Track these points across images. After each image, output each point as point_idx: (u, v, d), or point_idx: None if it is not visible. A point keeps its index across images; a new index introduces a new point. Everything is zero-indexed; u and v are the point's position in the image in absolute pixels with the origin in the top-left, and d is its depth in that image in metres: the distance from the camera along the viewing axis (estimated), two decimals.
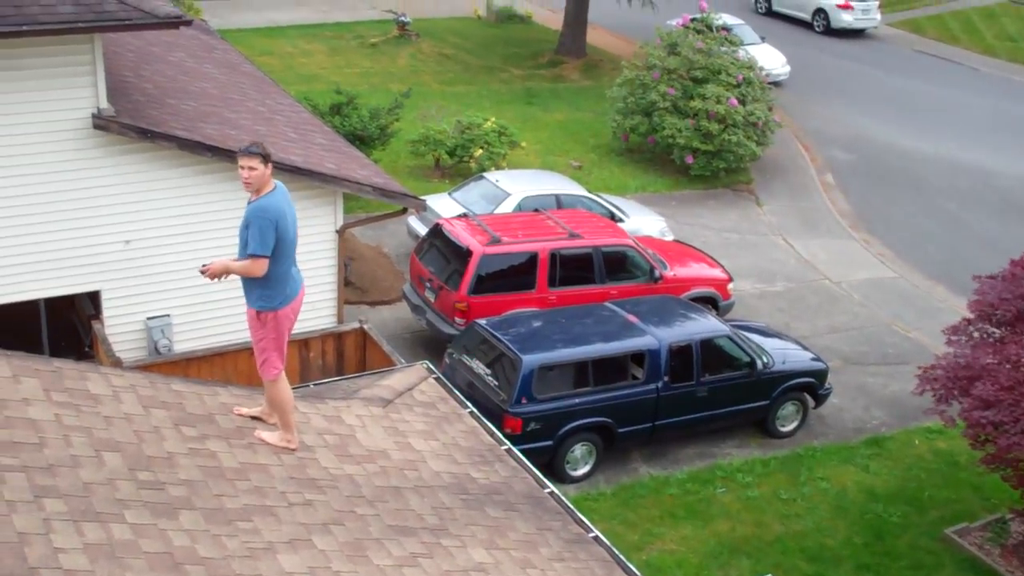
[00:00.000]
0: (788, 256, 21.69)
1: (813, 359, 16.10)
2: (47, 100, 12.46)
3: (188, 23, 12.94)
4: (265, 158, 7.48)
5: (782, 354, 15.79)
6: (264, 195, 7.52)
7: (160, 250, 13.74)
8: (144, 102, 13.70)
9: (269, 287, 7.64)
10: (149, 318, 14.02)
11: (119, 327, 13.88)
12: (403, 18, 32.68)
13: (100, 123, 12.65)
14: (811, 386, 15.84)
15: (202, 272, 7.64)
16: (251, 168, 7.44)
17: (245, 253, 7.56)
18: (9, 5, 11.45)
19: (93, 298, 13.95)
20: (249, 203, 7.60)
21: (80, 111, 12.61)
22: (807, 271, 21.14)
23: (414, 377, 9.56)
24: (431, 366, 9.95)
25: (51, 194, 12.90)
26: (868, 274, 21.26)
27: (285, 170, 13.33)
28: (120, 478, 6.45)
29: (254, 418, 7.85)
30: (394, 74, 29.62)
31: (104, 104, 12.63)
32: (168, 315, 14.05)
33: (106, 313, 13.81)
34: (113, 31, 12.48)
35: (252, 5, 35.03)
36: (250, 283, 7.68)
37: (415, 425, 8.73)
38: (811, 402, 16.02)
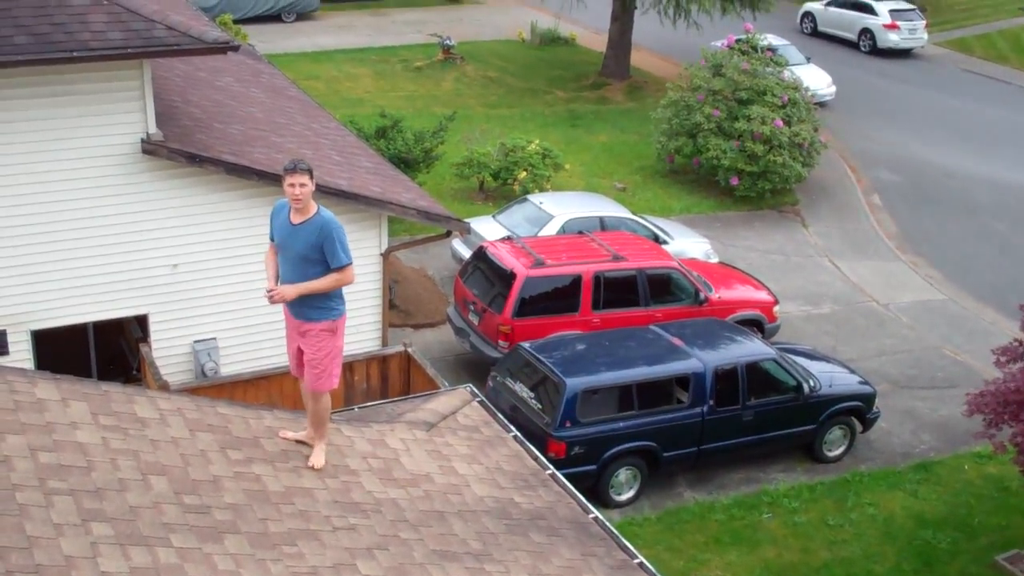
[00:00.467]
0: (835, 278, 21.49)
1: (860, 383, 15.91)
2: (97, 125, 12.63)
3: (235, 48, 13.07)
4: (312, 174, 7.60)
5: (829, 377, 15.63)
6: (317, 211, 7.72)
7: (207, 274, 13.86)
8: (192, 127, 13.86)
9: (336, 295, 7.89)
10: (196, 341, 14.13)
11: (166, 350, 14.01)
12: (448, 42, 32.87)
13: (149, 148, 12.81)
14: (859, 410, 15.66)
15: (270, 298, 7.68)
16: (301, 184, 7.56)
17: (320, 269, 7.69)
18: (60, 31, 11.65)
19: (141, 322, 14.08)
20: (296, 225, 7.65)
21: (129, 136, 12.77)
22: (854, 293, 20.93)
23: (458, 401, 9.57)
24: (475, 389, 9.95)
25: (100, 218, 13.06)
26: (916, 296, 21.02)
27: (331, 193, 13.42)
28: (166, 502, 6.49)
29: (299, 442, 7.90)
30: (438, 97, 29.78)
31: (153, 129, 12.79)
32: (214, 338, 14.16)
33: (153, 336, 13.94)
34: (162, 56, 12.62)
35: (299, 30, 35.44)
36: (317, 299, 7.79)
37: (459, 449, 8.72)
38: (859, 426, 15.82)
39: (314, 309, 7.83)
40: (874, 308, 20.40)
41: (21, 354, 13.22)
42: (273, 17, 35.88)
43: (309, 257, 7.68)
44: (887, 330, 19.61)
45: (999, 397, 13.11)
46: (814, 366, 15.83)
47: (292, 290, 7.69)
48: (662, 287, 16.94)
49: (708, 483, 15.00)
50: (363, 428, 8.55)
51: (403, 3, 40.33)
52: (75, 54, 11.65)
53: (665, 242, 19.04)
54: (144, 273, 13.55)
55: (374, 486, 7.73)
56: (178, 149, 12.94)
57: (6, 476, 6.12)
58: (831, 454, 15.66)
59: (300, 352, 8.06)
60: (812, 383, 15.21)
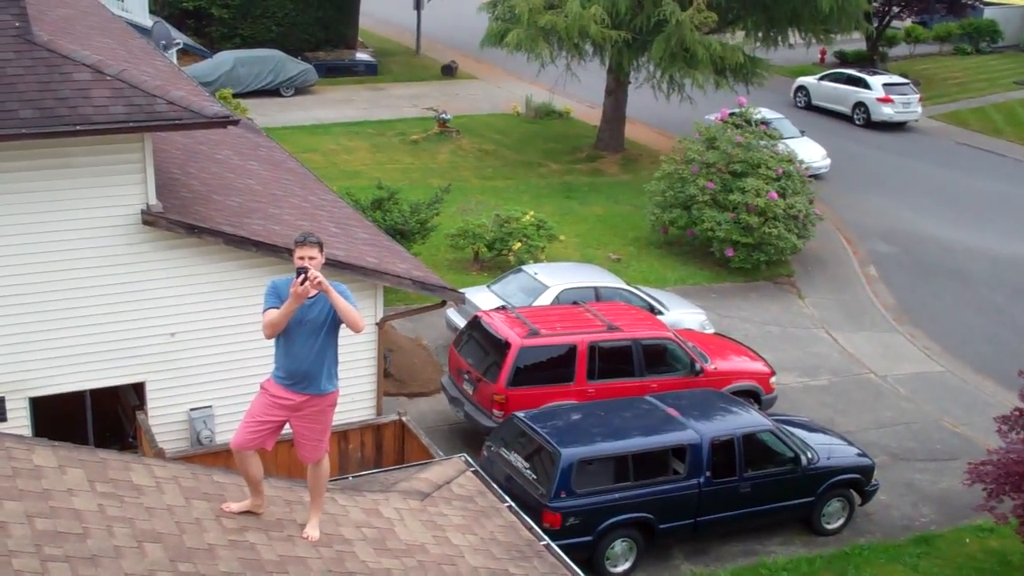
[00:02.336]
0: (831, 349, 21.53)
1: (859, 455, 15.87)
2: (98, 196, 12.78)
3: (235, 122, 13.27)
4: (322, 247, 7.61)
5: (827, 449, 15.58)
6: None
7: (204, 342, 13.92)
8: (191, 198, 14.00)
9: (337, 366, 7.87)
10: (192, 409, 14.14)
11: (162, 418, 14.02)
12: (444, 115, 33.27)
13: (149, 219, 12.94)
14: (857, 482, 15.59)
15: (312, 279, 7.36)
16: (311, 258, 7.51)
17: (336, 336, 7.68)
18: (64, 106, 11.82)
19: (138, 389, 14.10)
20: (310, 297, 7.52)
21: (130, 207, 12.91)
22: (851, 365, 20.95)
23: (452, 470, 9.55)
24: (469, 459, 9.94)
25: (100, 287, 13.15)
26: (914, 368, 21.03)
27: (327, 264, 13.47)
28: (161, 569, 6.47)
29: (246, 512, 7.64)
30: (434, 170, 30.05)
31: (153, 200, 12.93)
32: (211, 406, 14.17)
33: (150, 404, 13.95)
34: (163, 131, 12.81)
35: (297, 104, 35.84)
36: (332, 368, 7.76)
37: (453, 519, 8.69)
38: (857, 499, 15.72)
39: (331, 381, 7.74)
40: (872, 380, 20.41)
41: (19, 420, 13.23)
42: (272, 91, 36.36)
43: (327, 322, 7.63)
44: (885, 402, 19.59)
45: (1001, 468, 13.08)
46: (812, 438, 15.79)
47: (326, 283, 7.43)
48: (657, 357, 16.96)
49: (705, 555, 14.89)
50: (357, 497, 8.53)
51: (400, 78, 40.89)
52: (78, 128, 11.81)
53: (660, 312, 19.11)
54: (142, 342, 13.60)
55: (368, 556, 7.70)
56: (177, 220, 13.08)
57: (3, 542, 6.11)
58: (830, 527, 15.56)
59: (278, 427, 7.77)
60: (810, 455, 15.17)
